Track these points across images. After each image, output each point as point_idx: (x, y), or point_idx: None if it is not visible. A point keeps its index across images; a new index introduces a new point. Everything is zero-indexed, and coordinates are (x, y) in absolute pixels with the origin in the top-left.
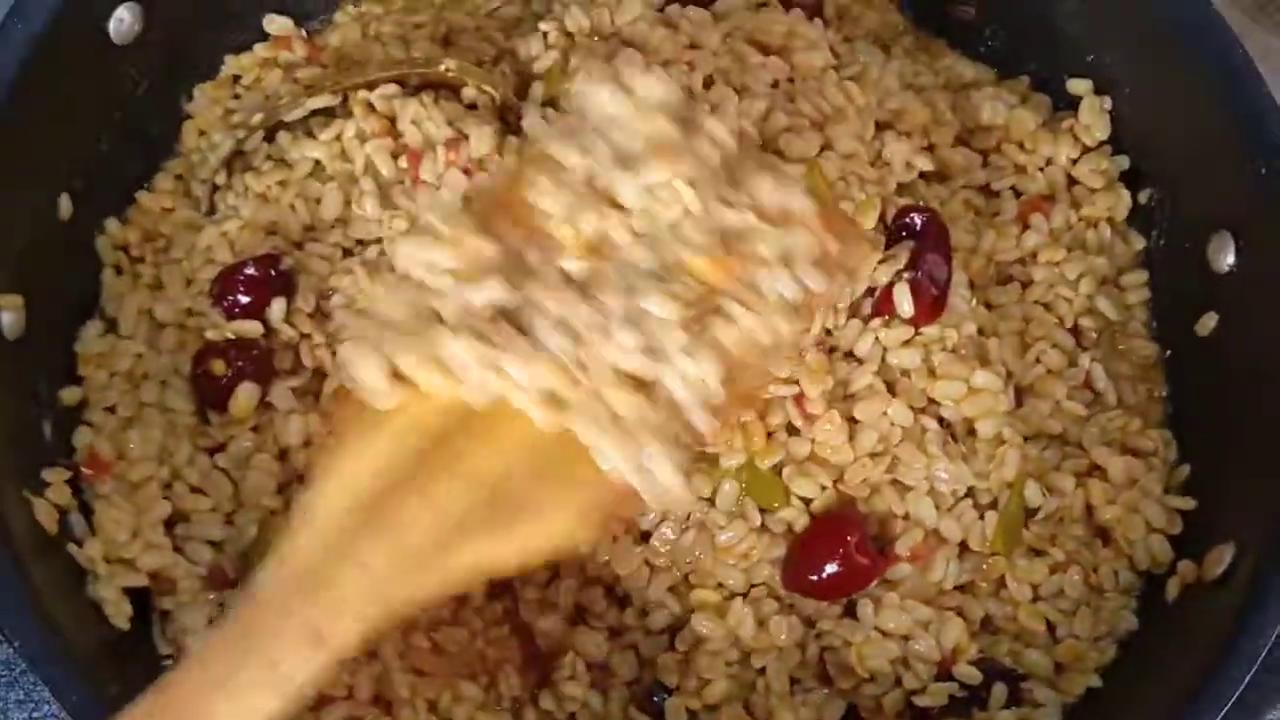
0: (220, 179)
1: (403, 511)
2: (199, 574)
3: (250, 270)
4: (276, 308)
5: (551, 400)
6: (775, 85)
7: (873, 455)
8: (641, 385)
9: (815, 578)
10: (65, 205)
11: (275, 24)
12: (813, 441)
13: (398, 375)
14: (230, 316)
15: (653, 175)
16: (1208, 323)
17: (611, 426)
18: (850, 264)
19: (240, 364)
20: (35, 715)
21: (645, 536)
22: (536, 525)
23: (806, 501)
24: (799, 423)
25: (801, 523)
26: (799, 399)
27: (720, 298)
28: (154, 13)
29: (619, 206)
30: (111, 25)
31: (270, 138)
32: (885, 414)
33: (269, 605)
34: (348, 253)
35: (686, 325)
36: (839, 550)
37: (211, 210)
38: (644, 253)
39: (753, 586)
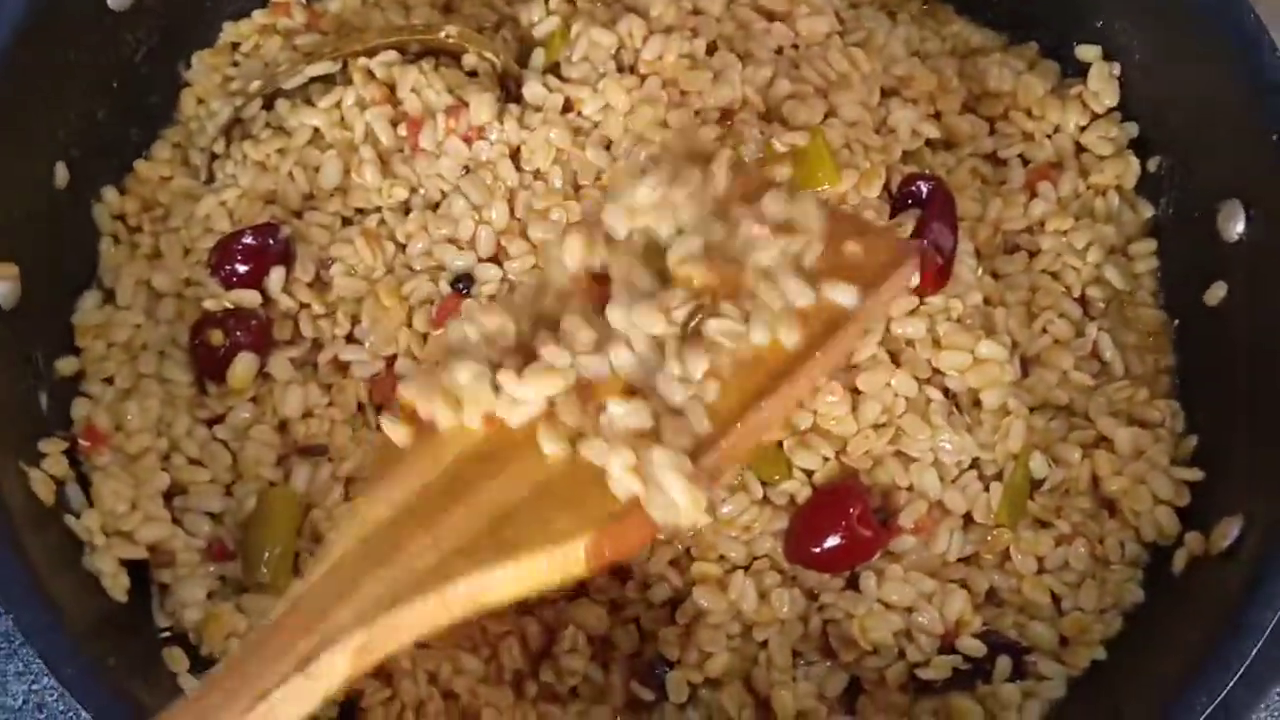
0: (219, 147)
1: (410, 545)
2: (198, 546)
3: (248, 239)
4: (275, 277)
5: (554, 420)
6: (779, 52)
7: (876, 426)
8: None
9: (817, 550)
10: (61, 174)
11: None
12: (815, 413)
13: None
14: (228, 286)
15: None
16: (1217, 292)
17: (616, 440)
18: (876, 262)
19: (238, 334)
20: (35, 687)
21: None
22: (542, 553)
23: (808, 473)
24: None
25: (804, 495)
26: None
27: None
28: None
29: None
30: None
31: (269, 105)
32: (889, 385)
33: (265, 637)
34: (347, 221)
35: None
36: (841, 522)
37: (210, 179)
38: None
39: (755, 559)
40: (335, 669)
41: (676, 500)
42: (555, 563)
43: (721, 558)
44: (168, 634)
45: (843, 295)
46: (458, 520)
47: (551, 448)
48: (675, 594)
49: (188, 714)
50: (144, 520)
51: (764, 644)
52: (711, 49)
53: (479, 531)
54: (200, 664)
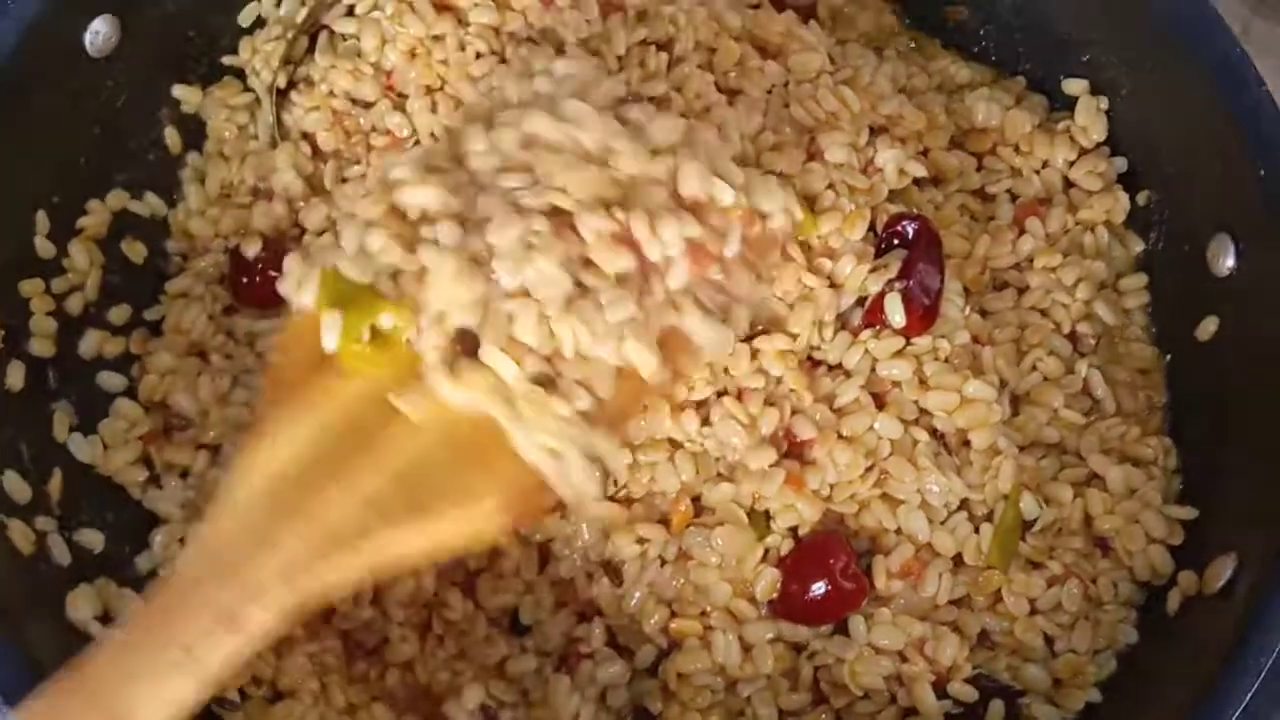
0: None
1: (320, 497)
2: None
3: None
4: None
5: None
6: (770, 91)
7: (862, 473)
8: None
9: (801, 604)
10: (42, 221)
11: None
12: (800, 465)
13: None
14: None
15: None
16: (1208, 327)
17: (521, 402)
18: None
19: None
20: None
21: (616, 571)
22: (453, 513)
23: (791, 529)
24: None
25: (786, 547)
26: (788, 433)
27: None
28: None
29: None
30: (88, 39)
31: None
32: (872, 428)
33: (183, 589)
34: None
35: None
36: (824, 576)
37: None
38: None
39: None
40: (261, 625)
41: (578, 476)
42: (468, 522)
43: (703, 613)
44: None
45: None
46: (367, 474)
47: (448, 388)
48: (660, 652)
49: (110, 663)
50: None
51: (749, 699)
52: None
53: (389, 487)
54: None
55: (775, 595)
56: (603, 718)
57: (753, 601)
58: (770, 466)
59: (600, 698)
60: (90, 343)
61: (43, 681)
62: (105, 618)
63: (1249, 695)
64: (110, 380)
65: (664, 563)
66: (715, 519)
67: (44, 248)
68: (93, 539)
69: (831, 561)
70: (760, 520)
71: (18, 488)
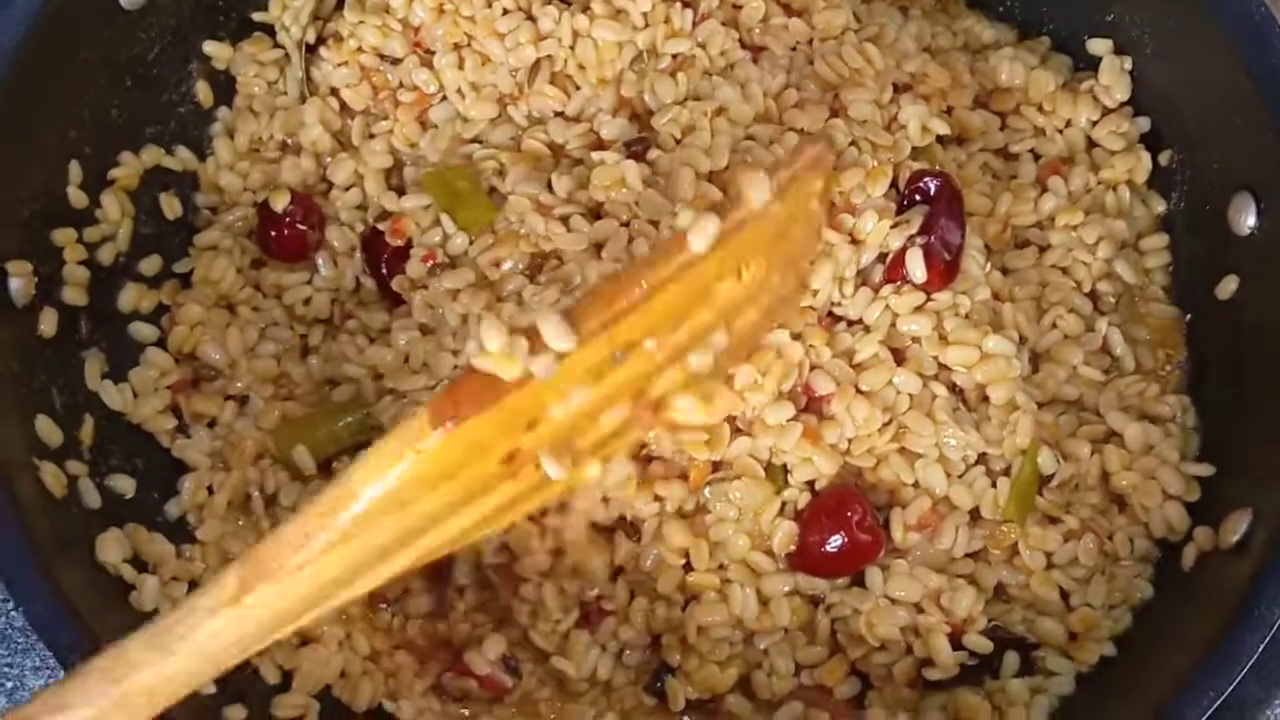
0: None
1: None
2: None
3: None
4: None
5: None
6: (794, 48)
7: (880, 427)
8: None
9: (818, 556)
10: (75, 172)
11: None
12: (818, 419)
13: None
14: None
15: None
16: (1228, 286)
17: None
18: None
19: None
20: (54, 679)
21: (634, 527)
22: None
23: (808, 483)
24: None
25: (803, 500)
26: (806, 388)
27: None
28: None
29: None
30: None
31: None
32: (891, 383)
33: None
34: None
35: None
36: (841, 529)
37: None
38: None
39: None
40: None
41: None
42: (403, 440)
43: (721, 566)
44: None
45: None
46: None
47: None
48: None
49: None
50: None
51: (766, 651)
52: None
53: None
54: None
55: (792, 548)
56: (621, 672)
57: (770, 554)
58: (788, 421)
59: (619, 653)
60: (128, 296)
61: (73, 618)
62: (135, 561)
63: (1261, 647)
64: (141, 330)
65: (683, 517)
66: (733, 473)
67: (77, 198)
68: (123, 484)
69: (848, 514)
70: (778, 474)
71: (50, 432)
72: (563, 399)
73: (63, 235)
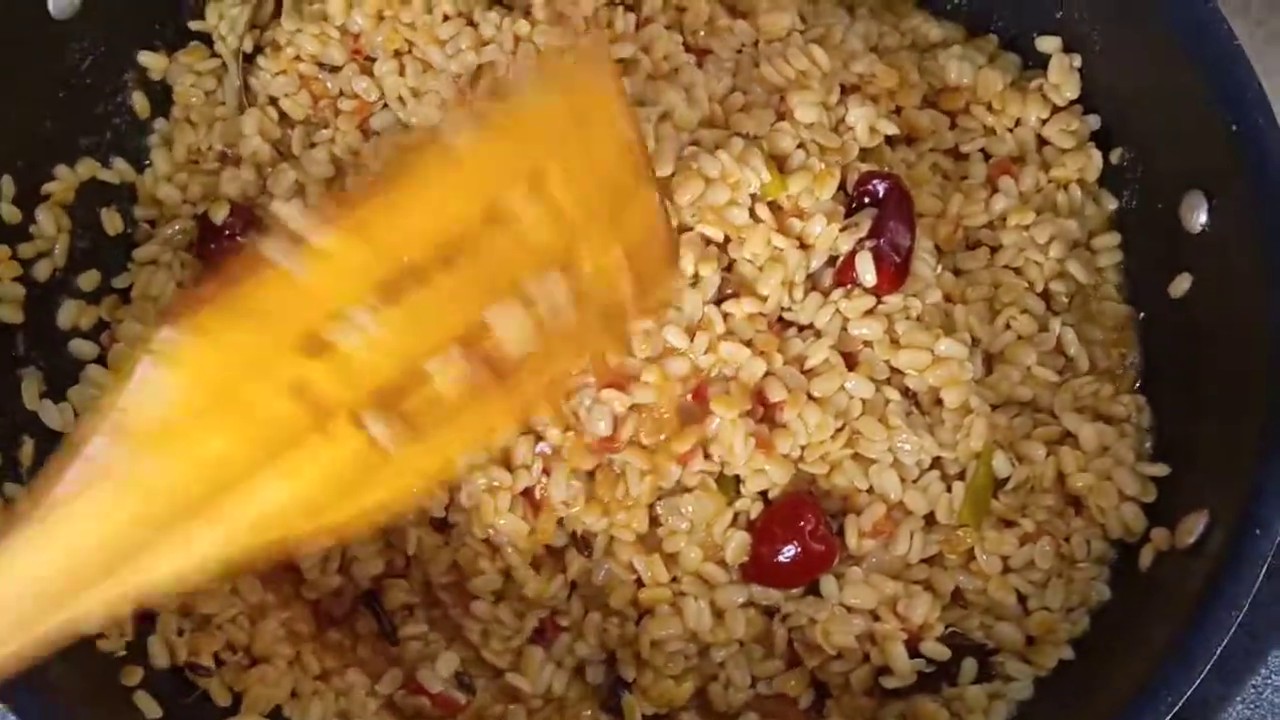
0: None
1: None
2: None
3: None
4: None
5: None
6: (739, 51)
7: (833, 433)
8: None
9: (771, 566)
10: (8, 186)
11: None
12: (770, 428)
13: None
14: None
15: None
16: (1181, 284)
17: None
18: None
19: None
20: None
21: (585, 543)
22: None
23: (761, 493)
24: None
25: (756, 510)
26: (759, 396)
27: None
28: None
29: None
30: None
31: None
32: (843, 388)
33: None
34: None
35: None
36: (794, 539)
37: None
38: None
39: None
40: None
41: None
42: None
43: (674, 579)
44: None
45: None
46: None
47: None
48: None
49: None
50: None
51: (722, 664)
52: (688, 46)
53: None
54: None
55: (745, 559)
56: (577, 688)
57: (723, 565)
58: (746, 436)
59: (576, 669)
60: (67, 313)
61: None
62: None
63: (1219, 649)
64: (81, 348)
65: (634, 533)
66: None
67: (10, 213)
68: None
69: (801, 524)
70: (729, 485)
71: None
72: (339, 318)
73: None
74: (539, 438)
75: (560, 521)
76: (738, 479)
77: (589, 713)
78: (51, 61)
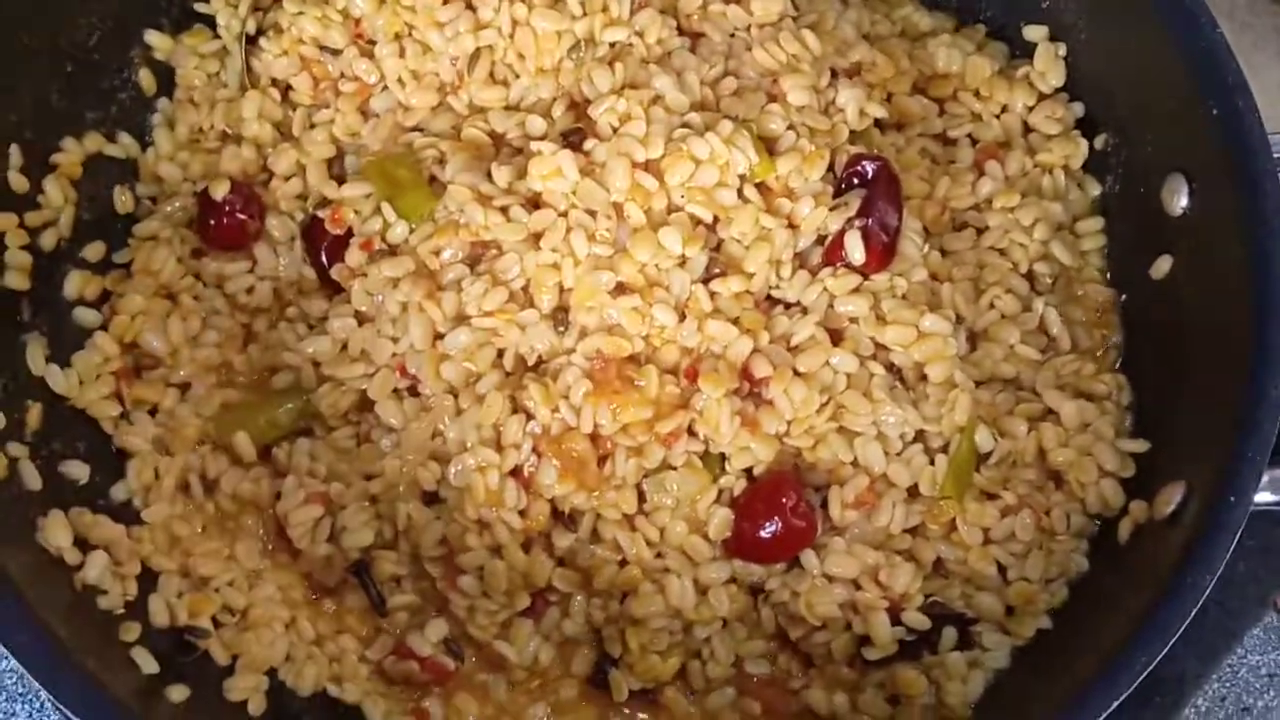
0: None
1: None
2: None
3: None
4: None
5: None
6: (732, 35)
7: (818, 408)
8: None
9: (753, 542)
10: (15, 157)
11: None
12: (756, 405)
13: None
14: None
15: None
16: (1162, 266)
17: None
18: None
19: None
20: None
21: (572, 520)
22: None
23: (745, 470)
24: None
25: (740, 487)
26: (745, 372)
27: None
28: None
29: None
30: None
31: None
32: (829, 363)
33: None
34: None
35: None
36: (775, 515)
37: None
38: None
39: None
40: None
41: None
42: None
43: (659, 555)
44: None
45: None
46: None
47: None
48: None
49: None
50: None
51: (707, 639)
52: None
53: None
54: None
55: (728, 534)
56: (560, 663)
57: (707, 540)
58: (732, 415)
59: (563, 644)
60: (73, 283)
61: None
62: (82, 544)
63: (1192, 613)
64: (86, 316)
65: (620, 512)
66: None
67: (17, 182)
68: (68, 468)
69: (783, 500)
70: (714, 462)
71: None
72: None
73: (4, 220)
74: (529, 416)
75: (551, 501)
76: (722, 456)
77: (576, 686)
78: (60, 35)
